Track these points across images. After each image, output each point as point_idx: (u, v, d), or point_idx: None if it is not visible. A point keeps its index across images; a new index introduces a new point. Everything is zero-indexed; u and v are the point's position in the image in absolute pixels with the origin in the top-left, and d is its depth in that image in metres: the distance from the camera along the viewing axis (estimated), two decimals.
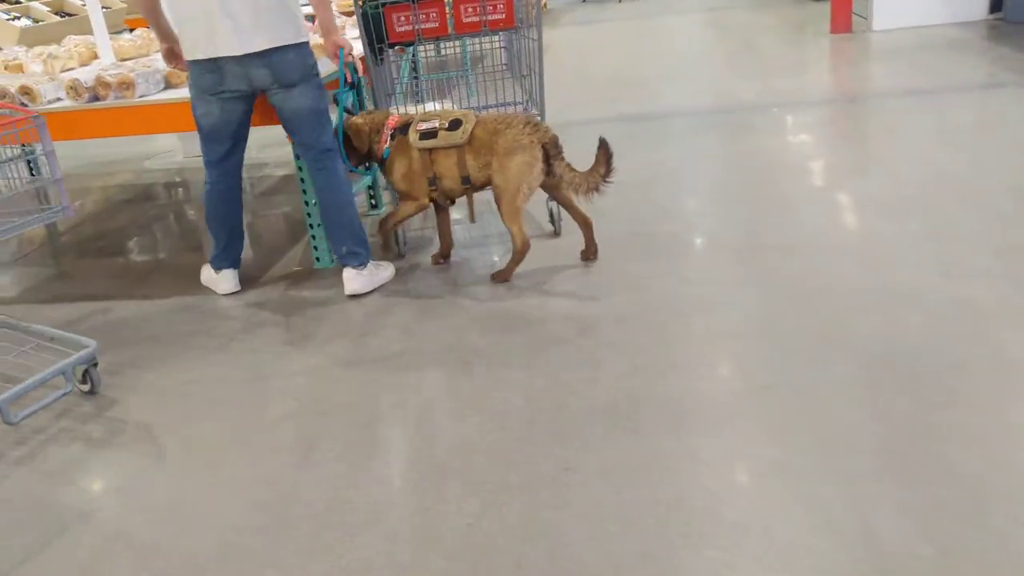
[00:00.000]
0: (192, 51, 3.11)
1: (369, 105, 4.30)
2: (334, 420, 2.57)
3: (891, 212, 3.63)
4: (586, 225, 3.47)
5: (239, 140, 3.33)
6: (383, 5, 3.40)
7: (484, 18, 3.49)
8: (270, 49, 3.08)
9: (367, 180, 4.26)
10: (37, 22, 7.93)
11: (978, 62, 6.14)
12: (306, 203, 3.63)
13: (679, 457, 2.22)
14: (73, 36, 4.81)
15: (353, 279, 3.39)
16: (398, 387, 2.71)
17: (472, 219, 3.87)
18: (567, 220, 3.81)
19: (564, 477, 2.19)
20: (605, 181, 3.22)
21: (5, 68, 4.29)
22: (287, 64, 3.12)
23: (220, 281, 3.57)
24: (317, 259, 3.73)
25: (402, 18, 3.44)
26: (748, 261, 3.30)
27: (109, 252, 4.27)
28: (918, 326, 2.71)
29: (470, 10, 3.46)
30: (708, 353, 2.70)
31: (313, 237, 3.69)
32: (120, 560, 2.08)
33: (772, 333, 2.77)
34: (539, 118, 3.67)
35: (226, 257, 3.54)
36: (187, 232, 4.48)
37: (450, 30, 3.50)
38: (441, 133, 3.25)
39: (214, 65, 3.10)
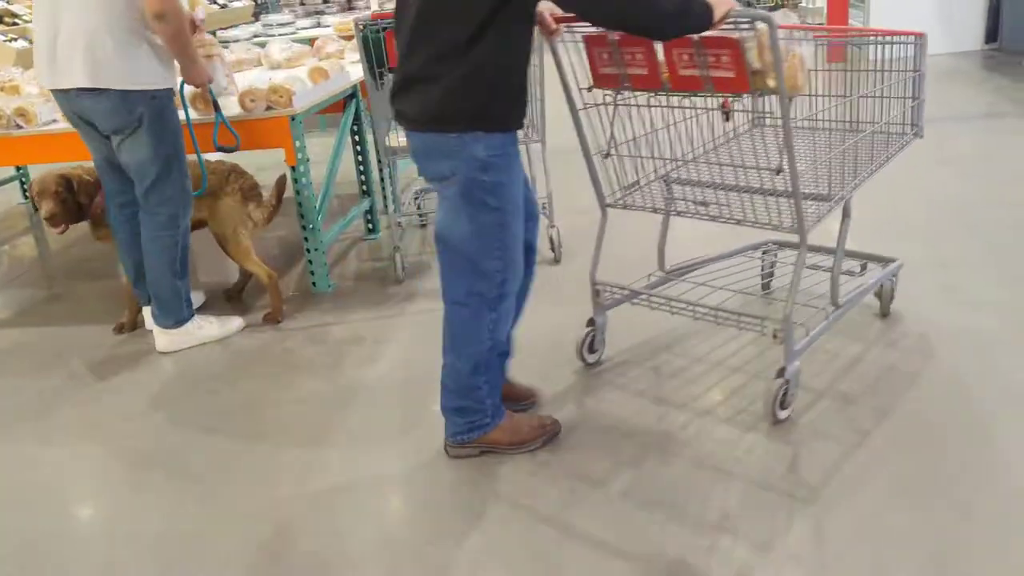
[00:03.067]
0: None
1: (368, 128, 4.27)
2: (331, 449, 2.50)
3: (892, 239, 3.59)
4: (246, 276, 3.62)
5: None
6: (384, 30, 3.37)
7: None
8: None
9: (365, 204, 4.22)
10: (32, 43, 7.93)
11: (977, 91, 6.15)
12: (303, 227, 3.58)
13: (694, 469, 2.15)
14: None
15: (160, 336, 3.23)
16: (396, 417, 2.64)
17: None
18: (571, 247, 3.77)
19: (566, 509, 2.12)
20: (277, 208, 3.52)
21: (1, 90, 4.25)
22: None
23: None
24: (314, 284, 3.67)
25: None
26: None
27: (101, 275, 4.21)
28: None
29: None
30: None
31: (310, 262, 3.64)
32: None
33: None
34: (539, 143, 3.64)
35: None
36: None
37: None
38: None
39: None
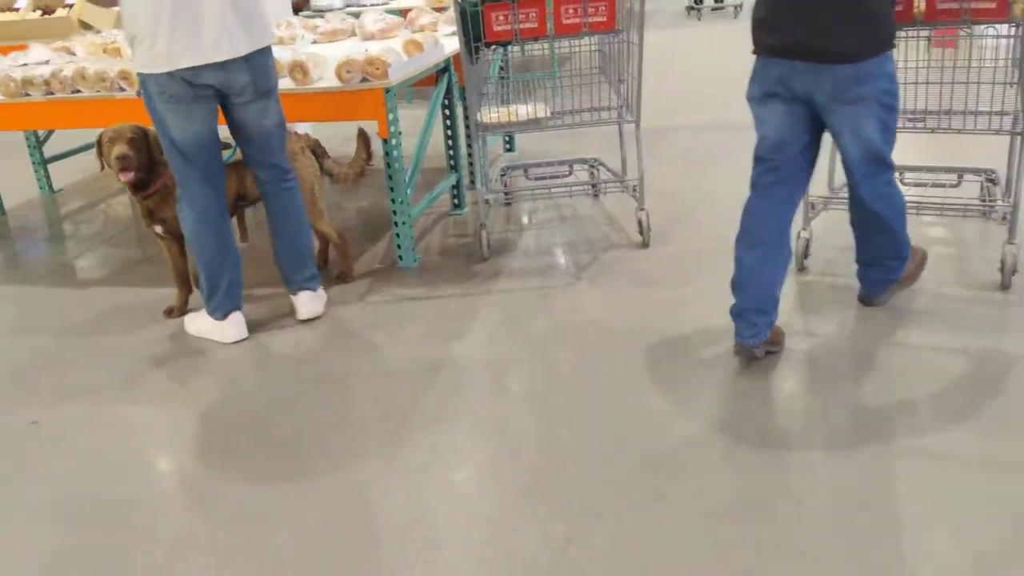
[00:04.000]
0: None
1: (459, 103, 4.25)
2: (416, 426, 2.50)
3: None
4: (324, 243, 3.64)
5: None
6: (482, 3, 3.32)
7: (585, 20, 3.38)
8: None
9: (452, 179, 4.20)
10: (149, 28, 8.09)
11: None
12: (392, 200, 3.58)
13: (779, 495, 2.08)
14: None
15: (311, 301, 3.23)
16: (481, 396, 2.63)
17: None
18: (662, 231, 3.69)
19: (654, 503, 2.08)
20: (368, 163, 3.58)
21: (104, 51, 4.35)
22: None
23: (226, 328, 3.13)
24: (400, 257, 3.68)
25: (501, 17, 3.35)
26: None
27: None
28: None
29: (571, 11, 3.36)
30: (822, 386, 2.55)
31: (398, 236, 3.64)
32: None
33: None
34: (632, 123, 3.56)
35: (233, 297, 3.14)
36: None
37: (549, 31, 3.41)
38: None
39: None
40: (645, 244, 3.63)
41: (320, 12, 5.42)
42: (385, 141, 3.48)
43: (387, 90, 3.38)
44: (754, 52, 2.57)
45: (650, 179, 3.85)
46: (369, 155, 3.57)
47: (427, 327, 3.10)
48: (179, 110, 2.84)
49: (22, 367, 3.05)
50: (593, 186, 4.22)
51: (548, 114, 3.68)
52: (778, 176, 2.58)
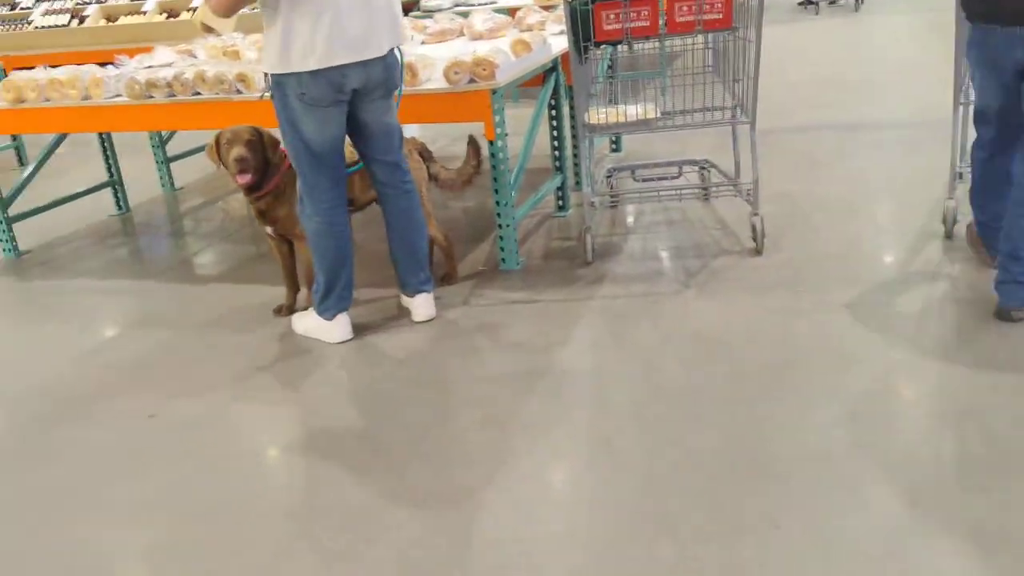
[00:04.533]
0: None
1: (565, 103, 4.19)
2: (517, 434, 2.46)
3: None
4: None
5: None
6: (593, 2, 3.25)
7: (699, 18, 3.26)
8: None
9: (557, 181, 4.15)
10: (253, 9, 8.39)
11: None
12: (497, 203, 3.55)
13: (901, 529, 1.94)
14: None
15: (428, 303, 3.23)
16: (584, 406, 2.57)
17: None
18: (774, 237, 3.54)
19: (767, 529, 1.97)
20: (477, 173, 3.53)
21: (224, 54, 4.50)
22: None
23: (334, 328, 3.16)
24: (503, 260, 3.65)
25: (612, 16, 3.27)
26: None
27: None
28: None
29: (685, 9, 3.24)
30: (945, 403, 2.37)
31: (501, 238, 3.61)
32: None
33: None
34: (747, 124, 3.42)
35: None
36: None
37: (661, 29, 3.30)
38: None
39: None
40: (758, 251, 3.48)
41: (429, 12, 5.45)
42: (491, 143, 3.45)
43: (494, 91, 3.36)
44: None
45: (763, 181, 3.70)
46: (478, 163, 3.53)
47: (530, 332, 3.06)
48: (317, 112, 2.84)
49: (143, 360, 3.18)
50: (704, 189, 4.09)
51: (658, 115, 3.57)
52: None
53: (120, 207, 5.06)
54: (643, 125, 3.57)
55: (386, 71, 2.93)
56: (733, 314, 3.02)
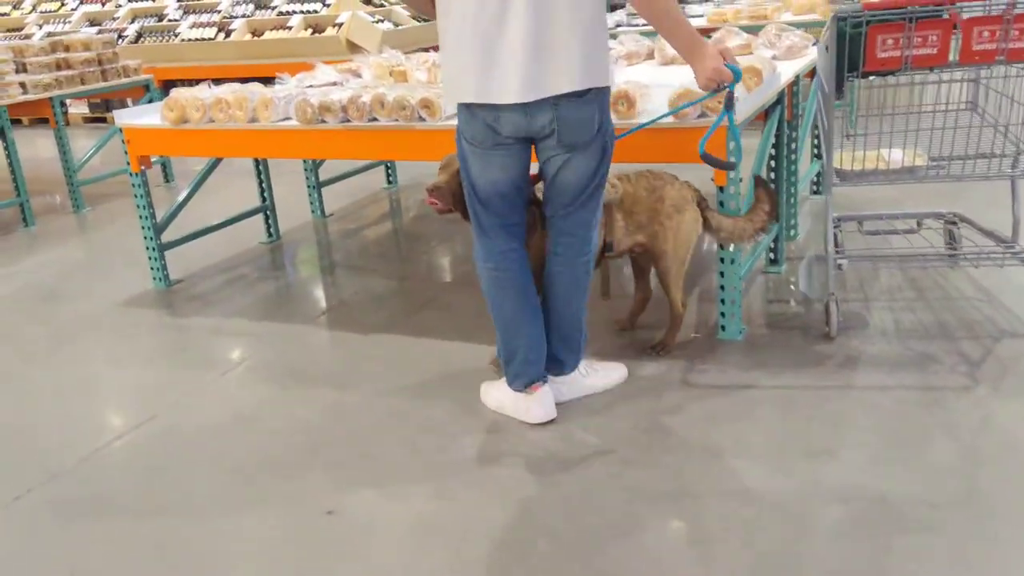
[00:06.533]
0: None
1: (785, 143, 3.58)
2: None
3: None
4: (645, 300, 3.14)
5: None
6: (868, 23, 2.64)
7: (1004, 46, 2.62)
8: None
9: (773, 231, 3.53)
10: (398, 26, 8.10)
11: None
12: (721, 259, 2.98)
13: None
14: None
15: (545, 399, 2.64)
16: (894, 553, 1.95)
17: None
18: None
19: None
20: (771, 220, 2.89)
21: (390, 74, 4.09)
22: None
23: (532, 404, 2.63)
24: (723, 327, 3.07)
25: (890, 41, 2.66)
26: None
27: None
28: None
29: (987, 34, 2.61)
30: None
31: (722, 301, 3.03)
32: None
33: None
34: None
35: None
36: None
37: (951, 58, 2.67)
38: None
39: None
40: None
41: (613, 34, 4.93)
42: (721, 189, 2.89)
43: (731, 127, 2.79)
44: None
45: None
46: (773, 207, 2.89)
47: (780, 433, 2.46)
48: (476, 152, 2.48)
49: (314, 430, 2.72)
50: (960, 255, 3.32)
51: (927, 162, 2.93)
52: None
53: (270, 234, 4.71)
54: (907, 174, 2.93)
55: (558, 122, 2.37)
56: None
